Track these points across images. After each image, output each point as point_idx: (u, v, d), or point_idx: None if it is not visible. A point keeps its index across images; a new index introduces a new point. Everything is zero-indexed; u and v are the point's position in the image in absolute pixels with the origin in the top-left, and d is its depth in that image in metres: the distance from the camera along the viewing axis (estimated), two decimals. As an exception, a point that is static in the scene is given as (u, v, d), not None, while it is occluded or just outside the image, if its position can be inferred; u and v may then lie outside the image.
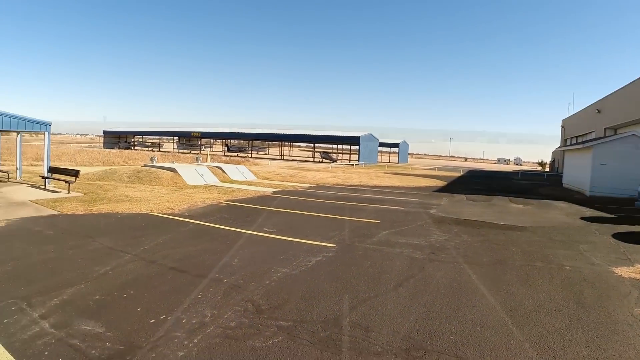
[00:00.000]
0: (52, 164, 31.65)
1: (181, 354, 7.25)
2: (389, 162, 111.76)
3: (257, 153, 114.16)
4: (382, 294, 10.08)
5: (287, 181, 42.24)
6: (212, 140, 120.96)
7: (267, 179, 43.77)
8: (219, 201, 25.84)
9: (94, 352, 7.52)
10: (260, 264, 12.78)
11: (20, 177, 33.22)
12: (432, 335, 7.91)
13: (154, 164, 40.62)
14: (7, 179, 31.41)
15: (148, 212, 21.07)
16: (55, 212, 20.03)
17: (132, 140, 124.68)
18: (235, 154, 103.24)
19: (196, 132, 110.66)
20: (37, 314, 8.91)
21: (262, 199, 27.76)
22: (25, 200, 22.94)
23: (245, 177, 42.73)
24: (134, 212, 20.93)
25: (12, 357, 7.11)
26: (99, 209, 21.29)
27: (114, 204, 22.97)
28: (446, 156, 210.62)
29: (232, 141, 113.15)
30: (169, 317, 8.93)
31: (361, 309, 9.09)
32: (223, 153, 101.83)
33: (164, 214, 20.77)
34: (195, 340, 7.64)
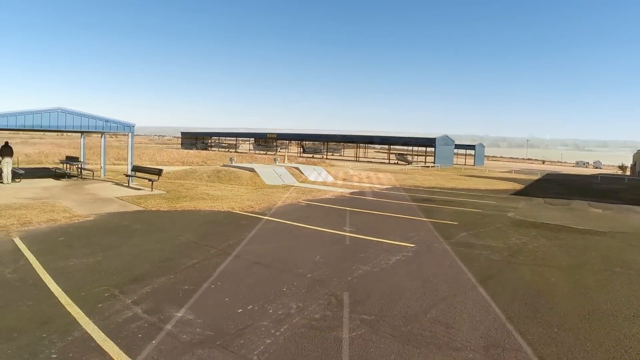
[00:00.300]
0: (134, 164, 33.38)
1: (268, 341, 7.50)
2: (465, 165, 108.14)
3: (332, 154, 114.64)
4: (461, 293, 10.12)
5: (364, 182, 42.24)
6: (287, 141, 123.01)
7: (344, 180, 43.98)
8: (298, 201, 26.26)
9: (185, 336, 7.78)
10: (342, 261, 12.92)
11: (104, 175, 35.43)
12: (510, 334, 7.94)
13: (233, 164, 41.79)
14: (92, 177, 33.58)
15: (229, 210, 21.60)
16: (141, 208, 20.91)
17: (209, 141, 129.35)
18: (311, 155, 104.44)
19: (272, 133, 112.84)
20: (129, 301, 9.27)
21: (340, 200, 28.00)
22: (111, 196, 24.20)
23: (322, 178, 42.93)
24: (216, 209, 21.57)
25: (107, 338, 7.45)
26: (182, 206, 22.03)
27: (197, 201, 23.63)
28: (522, 159, 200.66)
29: (307, 142, 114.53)
30: (256, 308, 9.12)
31: (441, 307, 9.17)
32: (299, 154, 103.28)
33: (245, 212, 21.34)
34: (282, 330, 7.85)
